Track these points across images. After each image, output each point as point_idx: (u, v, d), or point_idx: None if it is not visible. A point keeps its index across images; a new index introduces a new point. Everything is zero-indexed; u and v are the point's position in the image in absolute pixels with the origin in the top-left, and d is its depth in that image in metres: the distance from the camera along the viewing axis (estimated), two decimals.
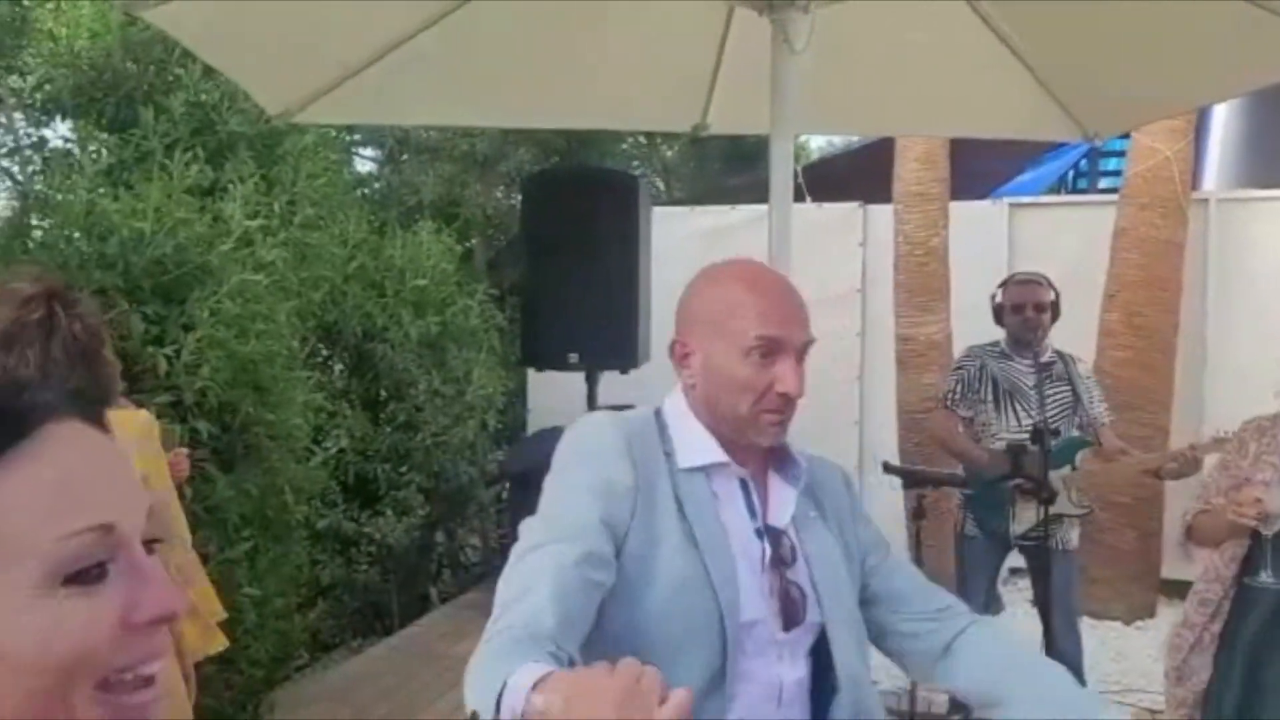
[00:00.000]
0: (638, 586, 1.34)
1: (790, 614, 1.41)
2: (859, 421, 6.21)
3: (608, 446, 1.41)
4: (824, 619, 1.44)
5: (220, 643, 2.50)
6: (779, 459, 1.51)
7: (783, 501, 1.48)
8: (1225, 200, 5.77)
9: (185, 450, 2.60)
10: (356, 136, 7.18)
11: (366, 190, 7.00)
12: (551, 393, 6.09)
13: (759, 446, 1.46)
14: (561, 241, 3.82)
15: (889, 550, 1.58)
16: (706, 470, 1.44)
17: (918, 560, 3.88)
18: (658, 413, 1.51)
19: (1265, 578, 2.34)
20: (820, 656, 1.45)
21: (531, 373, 6.45)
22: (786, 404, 1.42)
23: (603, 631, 1.31)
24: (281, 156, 4.56)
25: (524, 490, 6.11)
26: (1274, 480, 2.23)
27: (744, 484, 1.46)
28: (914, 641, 1.52)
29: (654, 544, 1.35)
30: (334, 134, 5.68)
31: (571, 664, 1.17)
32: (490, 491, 6.49)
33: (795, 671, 1.43)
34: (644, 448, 1.43)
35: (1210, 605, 2.46)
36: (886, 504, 5.93)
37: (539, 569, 1.26)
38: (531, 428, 6.44)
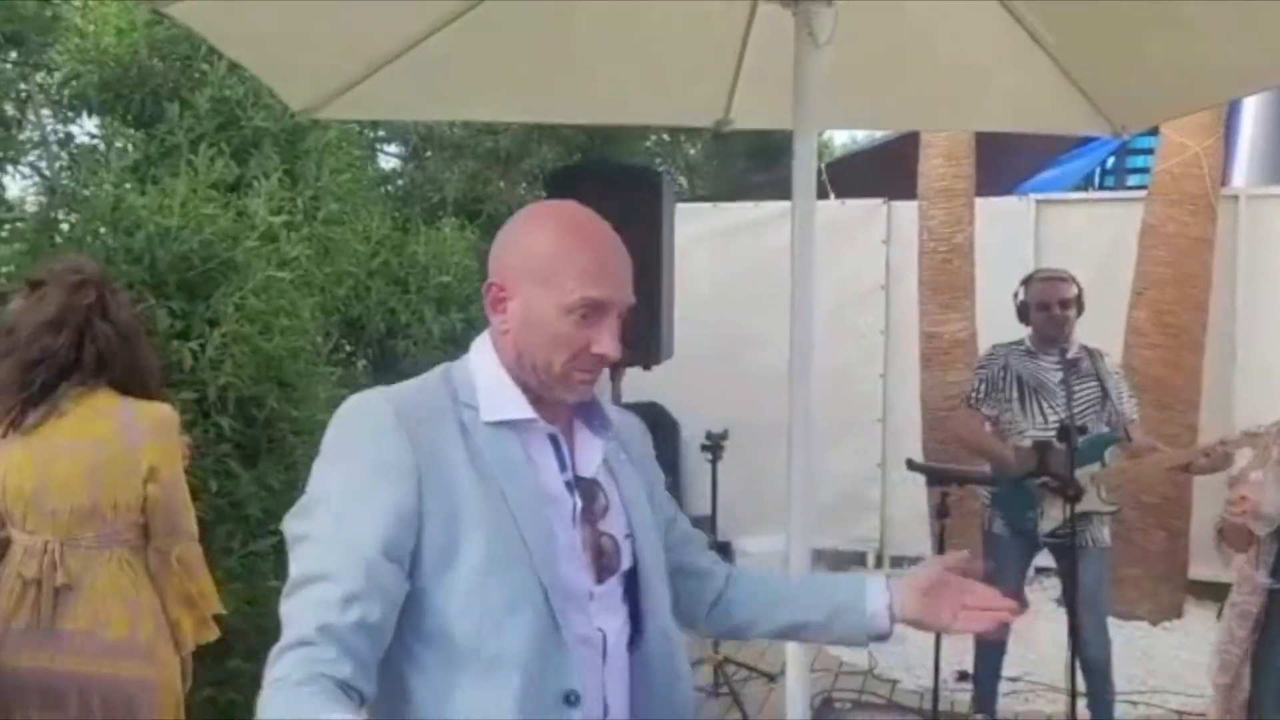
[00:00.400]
0: (448, 566, 1.30)
1: (603, 566, 1.42)
2: (882, 420, 6.17)
3: (376, 426, 1.34)
4: (636, 562, 1.46)
5: (214, 633, 2.54)
6: (585, 410, 1.49)
7: (590, 452, 1.47)
8: (1255, 196, 5.68)
9: (188, 439, 2.63)
10: (380, 133, 7.20)
11: (390, 187, 7.01)
12: None
13: (565, 402, 1.44)
14: None
15: (670, 498, 1.64)
16: (514, 425, 1.40)
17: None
18: (449, 370, 1.45)
19: (1262, 578, 2.30)
20: (632, 605, 1.47)
21: None
22: (599, 364, 1.41)
23: (424, 619, 1.30)
24: (305, 152, 4.57)
25: None
26: (1270, 480, 2.18)
27: (554, 439, 1.43)
28: (706, 579, 1.63)
29: (456, 518, 1.31)
30: (358, 130, 5.70)
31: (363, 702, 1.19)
32: None
33: (614, 622, 1.43)
34: (423, 417, 1.36)
35: (1250, 619, 2.41)
36: (909, 502, 5.92)
37: (317, 615, 1.21)
38: None
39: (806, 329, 2.72)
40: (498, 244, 1.45)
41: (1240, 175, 8.68)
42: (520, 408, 1.40)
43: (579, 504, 1.41)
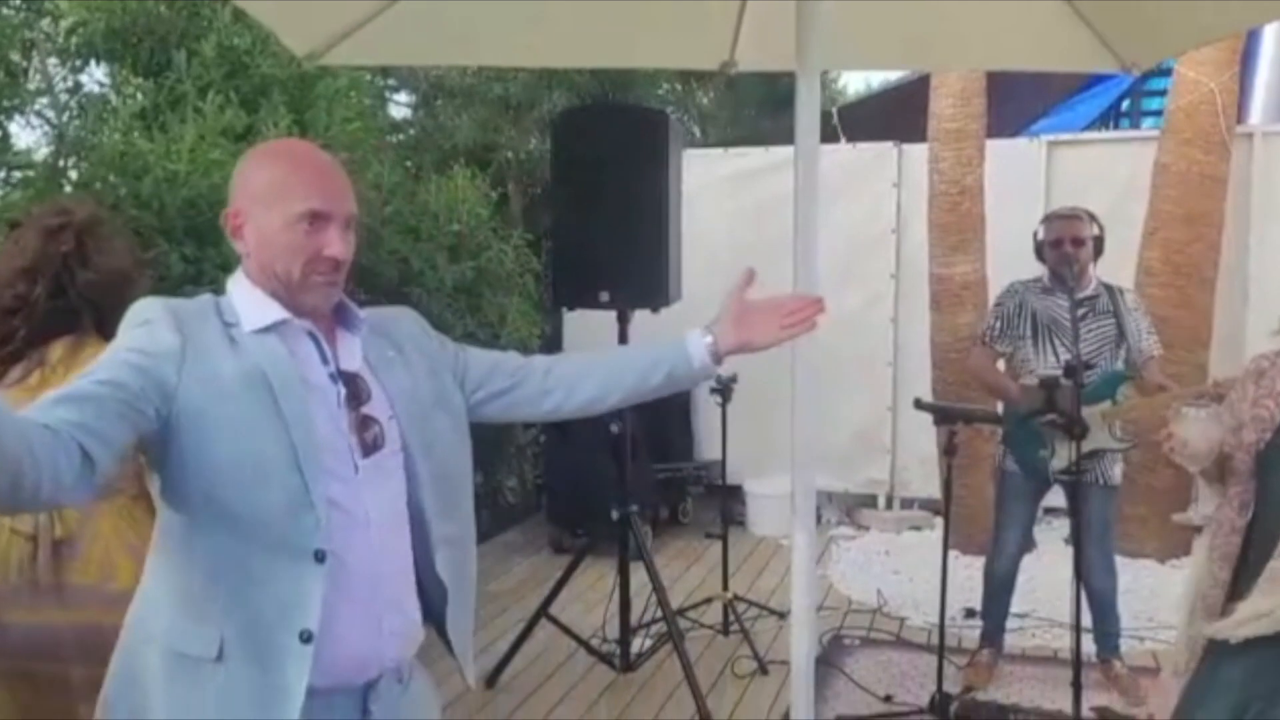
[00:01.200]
0: (205, 435, 1.47)
1: (368, 443, 1.60)
2: (893, 363, 6.19)
3: (150, 318, 1.51)
4: (405, 446, 1.65)
5: None
6: (341, 314, 1.68)
7: (350, 348, 1.66)
8: (1271, 134, 5.62)
9: None
10: (390, 81, 7.17)
11: (401, 135, 7.00)
12: (586, 335, 6.13)
13: (318, 308, 1.62)
14: (591, 179, 3.79)
15: (462, 346, 1.85)
16: (276, 330, 1.58)
17: (948, 497, 3.90)
18: (215, 300, 1.61)
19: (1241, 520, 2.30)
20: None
21: (567, 316, 6.48)
22: (335, 268, 1.60)
23: (184, 477, 1.49)
24: (315, 100, 4.57)
25: (560, 436, 6.20)
26: (1208, 418, 2.17)
27: (313, 336, 1.62)
28: (522, 388, 1.84)
29: (219, 399, 1.48)
30: (367, 78, 5.68)
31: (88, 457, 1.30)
32: (528, 434, 6.56)
33: (381, 498, 1.61)
34: (195, 322, 1.53)
35: (1231, 559, 2.42)
36: (920, 444, 5.95)
37: (62, 392, 1.38)
38: None
39: (811, 271, 2.72)
40: (233, 181, 1.63)
41: (1257, 113, 8.57)
42: (276, 312, 1.58)
43: (343, 391, 1.60)
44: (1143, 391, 3.87)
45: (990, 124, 5.58)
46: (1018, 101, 7.20)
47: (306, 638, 1.49)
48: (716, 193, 6.24)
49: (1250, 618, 2.17)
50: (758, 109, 9.66)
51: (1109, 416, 3.79)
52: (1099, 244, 3.91)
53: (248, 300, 1.59)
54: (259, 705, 1.48)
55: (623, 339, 3.98)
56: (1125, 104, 9.61)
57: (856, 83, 11.92)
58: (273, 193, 1.58)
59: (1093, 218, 3.91)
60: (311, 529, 1.50)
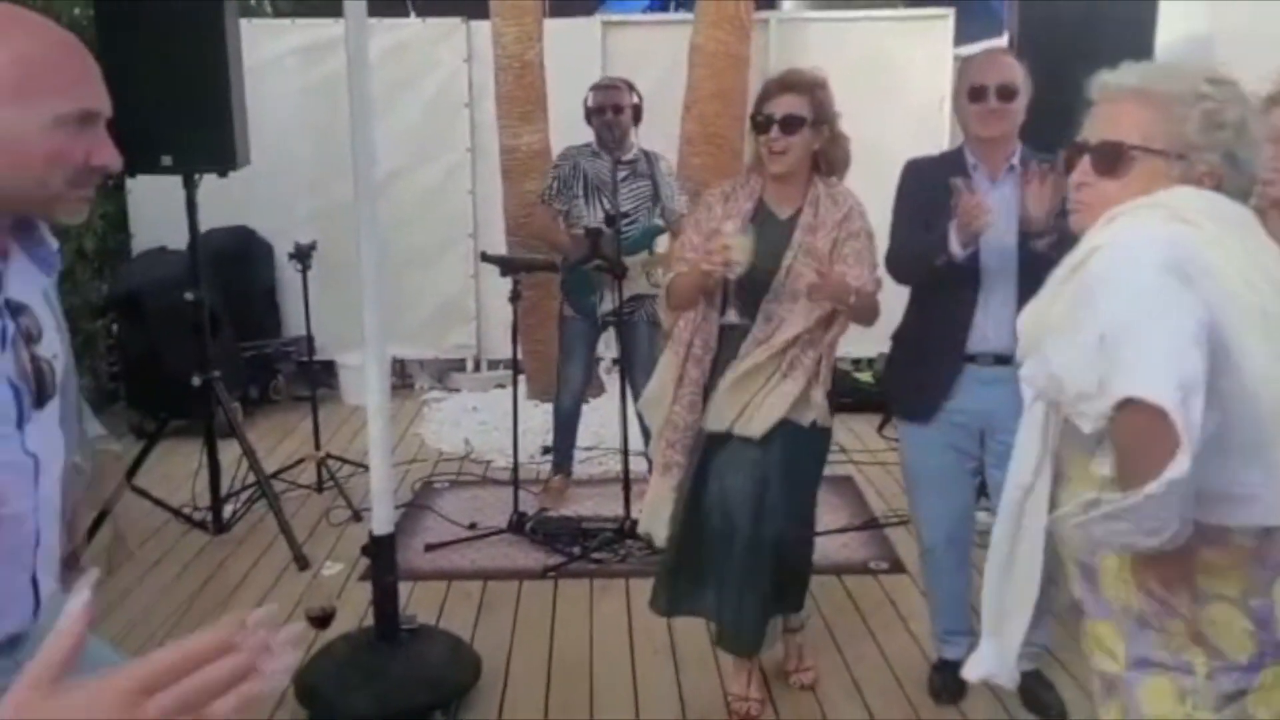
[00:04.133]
0: None
1: (41, 391, 1.38)
2: (473, 234, 6.50)
3: None
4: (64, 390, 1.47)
5: None
6: (26, 238, 1.41)
7: (27, 279, 1.40)
8: (785, 20, 6.49)
9: None
10: None
11: None
12: (154, 211, 5.90)
13: (66, 225, 1.43)
14: (141, 44, 3.69)
15: None
16: None
17: (515, 340, 4.31)
18: None
19: (732, 317, 2.90)
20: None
21: (131, 195, 6.17)
22: (97, 177, 1.35)
23: None
24: None
25: (133, 318, 5.94)
26: (738, 230, 2.71)
27: None
28: None
29: None
30: None
31: None
32: (98, 324, 6.22)
33: (52, 446, 1.43)
34: None
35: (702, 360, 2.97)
36: (503, 308, 6.33)
37: None
38: (136, 251, 6.21)
39: (366, 136, 2.93)
40: None
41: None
42: None
43: (10, 327, 1.33)
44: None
45: (559, 11, 5.94)
46: None
47: None
48: (283, 65, 6.14)
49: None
50: None
51: (647, 265, 4.36)
52: (637, 111, 4.40)
53: None
54: None
55: (190, 205, 3.97)
56: None
57: None
58: (24, 84, 1.25)
59: (631, 87, 4.40)
60: None
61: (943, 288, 2.78)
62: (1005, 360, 2.67)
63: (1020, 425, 1.64)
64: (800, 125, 2.75)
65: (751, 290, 2.79)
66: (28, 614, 1.41)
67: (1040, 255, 2.47)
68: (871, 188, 2.94)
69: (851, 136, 2.89)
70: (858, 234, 2.80)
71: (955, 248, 2.63)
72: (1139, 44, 3.56)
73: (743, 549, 2.82)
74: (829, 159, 2.86)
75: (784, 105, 2.75)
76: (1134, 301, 1.37)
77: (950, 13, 6.30)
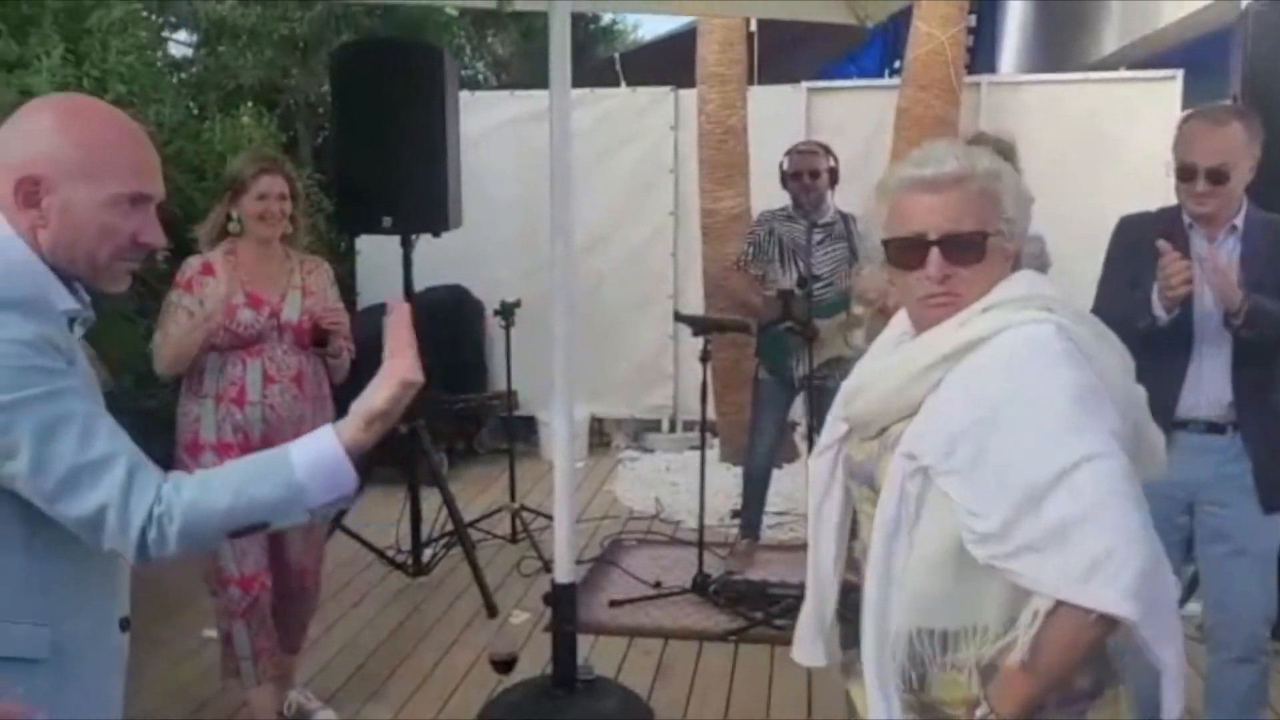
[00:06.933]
0: None
1: None
2: (674, 295, 6.62)
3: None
4: None
5: None
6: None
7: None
8: (995, 84, 6.34)
9: None
10: (171, 19, 7.04)
11: (183, 74, 6.90)
12: (378, 271, 6.29)
13: (108, 295, 1.53)
14: (369, 113, 4.00)
15: None
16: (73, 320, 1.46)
17: (704, 398, 4.34)
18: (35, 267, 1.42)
19: None
20: None
21: (360, 256, 6.62)
22: (143, 253, 1.49)
23: None
24: (89, 30, 4.55)
25: (352, 369, 6.31)
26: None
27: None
28: None
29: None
30: (144, 14, 5.62)
31: None
32: None
33: None
34: (55, 331, 1.36)
35: None
36: (700, 370, 6.40)
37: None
38: (360, 306, 6.64)
39: (565, 202, 3.04)
40: (19, 139, 1.42)
41: (1008, 61, 9.50)
42: (70, 300, 1.44)
43: None
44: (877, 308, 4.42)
45: (767, 78, 6.04)
46: (791, 59, 7.70)
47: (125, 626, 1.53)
48: (499, 134, 6.48)
49: None
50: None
51: (844, 327, 4.31)
52: (834, 174, 4.40)
53: (39, 275, 1.41)
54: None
55: (406, 263, 4.22)
56: (898, 63, 10.39)
57: (655, 29, 12.32)
58: (92, 165, 1.41)
59: (828, 151, 4.40)
60: None
61: (1152, 349, 2.61)
62: (1219, 429, 2.54)
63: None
64: None
65: None
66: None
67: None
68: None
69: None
70: None
71: (1159, 311, 2.48)
72: None
73: None
74: None
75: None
76: (1051, 455, 1.37)
77: (1178, 74, 5.98)
